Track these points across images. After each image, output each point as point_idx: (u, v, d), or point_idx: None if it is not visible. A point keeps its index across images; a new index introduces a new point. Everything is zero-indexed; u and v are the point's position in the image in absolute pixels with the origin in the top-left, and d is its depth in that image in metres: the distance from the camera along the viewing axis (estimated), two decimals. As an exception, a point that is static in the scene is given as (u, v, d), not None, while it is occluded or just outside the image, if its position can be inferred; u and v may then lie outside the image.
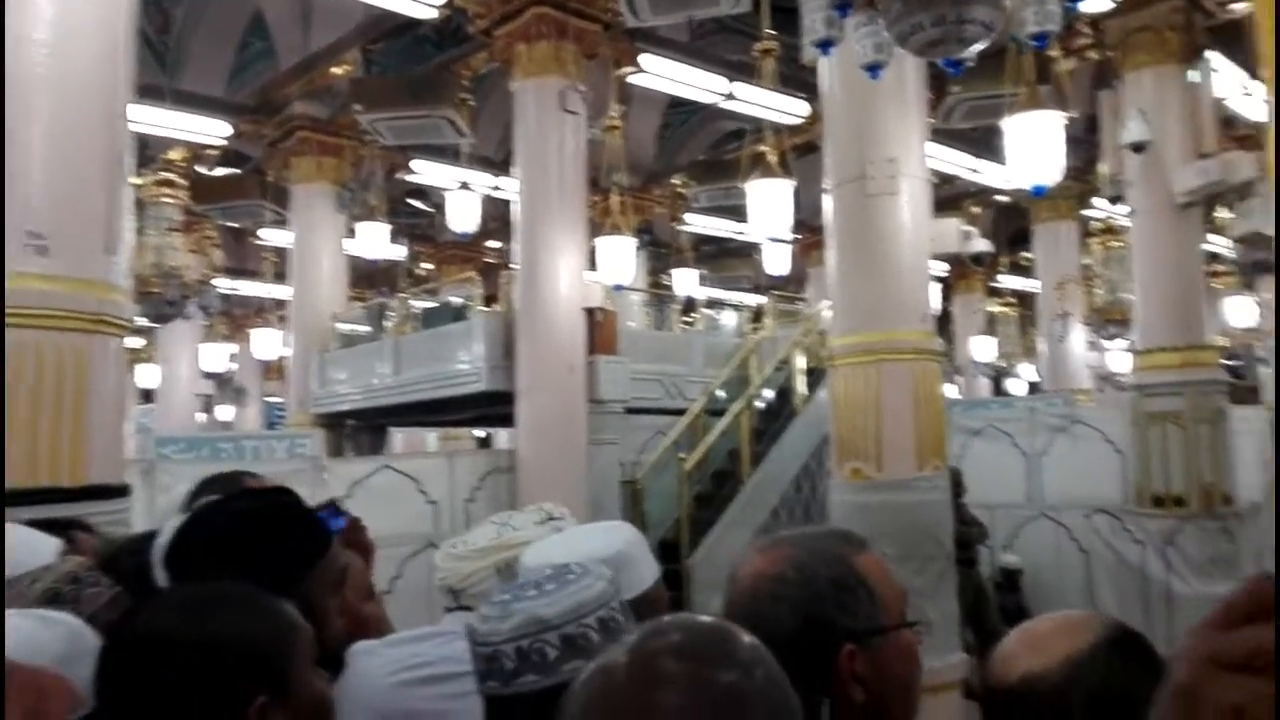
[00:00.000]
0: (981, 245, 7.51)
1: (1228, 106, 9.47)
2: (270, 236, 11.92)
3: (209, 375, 13.91)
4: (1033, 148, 5.51)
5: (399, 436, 12.29)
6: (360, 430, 10.16)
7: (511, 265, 8.12)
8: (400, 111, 8.55)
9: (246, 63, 10.82)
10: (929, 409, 5.30)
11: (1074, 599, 7.75)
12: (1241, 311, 11.26)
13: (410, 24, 8.53)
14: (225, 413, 16.22)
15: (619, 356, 7.93)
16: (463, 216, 9.40)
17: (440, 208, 12.46)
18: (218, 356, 13.62)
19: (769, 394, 9.07)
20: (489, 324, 7.89)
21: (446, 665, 1.50)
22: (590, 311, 7.80)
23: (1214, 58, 8.52)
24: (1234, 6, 8.28)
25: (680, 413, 8.43)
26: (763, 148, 7.89)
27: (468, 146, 9.66)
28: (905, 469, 5.15)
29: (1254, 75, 9.74)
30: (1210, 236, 9.42)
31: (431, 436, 13.69)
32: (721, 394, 8.75)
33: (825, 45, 4.75)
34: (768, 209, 6.90)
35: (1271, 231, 7.84)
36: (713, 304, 12.16)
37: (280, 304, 11.90)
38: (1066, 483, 8.18)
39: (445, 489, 7.05)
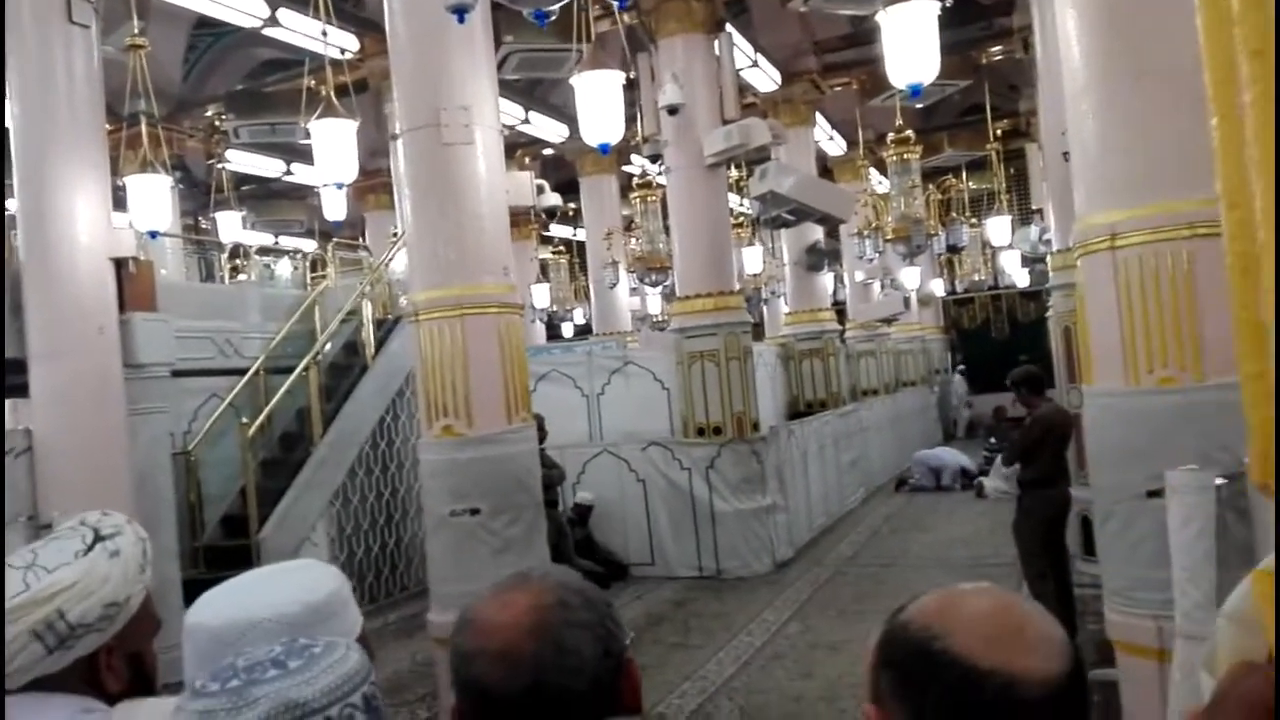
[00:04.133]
0: (554, 199, 7.77)
1: (742, 76, 10.73)
2: None
3: None
4: (599, 107, 5.76)
5: None
6: None
7: (7, 206, 6.71)
8: None
9: None
10: (515, 361, 5.36)
11: (635, 523, 8.51)
12: (754, 259, 13.04)
13: None
14: None
15: (159, 313, 6.96)
16: (-67, 145, 7.50)
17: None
18: None
19: (337, 348, 8.58)
20: (-18, 278, 6.45)
21: None
22: (120, 262, 6.73)
23: (733, 32, 9.53)
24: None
25: (239, 373, 7.65)
26: (313, 82, 7.30)
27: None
28: (496, 422, 5.18)
29: (757, 48, 11.15)
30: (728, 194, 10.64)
31: (-106, 416, 10.97)
32: (284, 350, 8.09)
33: (407, -16, 4.51)
34: (334, 152, 6.42)
35: (783, 190, 9.03)
36: (265, 251, 11.11)
37: None
38: (624, 419, 8.89)
39: (-65, 485, 5.69)
